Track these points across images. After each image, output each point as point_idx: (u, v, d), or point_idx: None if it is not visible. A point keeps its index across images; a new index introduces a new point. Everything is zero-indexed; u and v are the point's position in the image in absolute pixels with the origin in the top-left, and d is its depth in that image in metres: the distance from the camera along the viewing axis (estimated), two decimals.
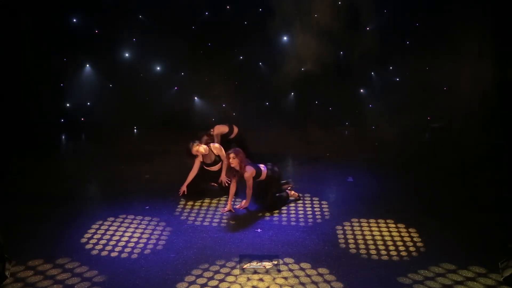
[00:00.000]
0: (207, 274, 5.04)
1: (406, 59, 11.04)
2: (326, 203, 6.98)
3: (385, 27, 10.87)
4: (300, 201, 7.04)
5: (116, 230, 6.00)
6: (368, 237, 5.89)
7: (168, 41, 10.66)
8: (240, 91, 11.34)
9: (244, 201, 6.72)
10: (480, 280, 4.93)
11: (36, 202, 6.75)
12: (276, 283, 4.89)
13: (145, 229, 6.06)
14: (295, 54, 10.54)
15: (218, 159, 7.21)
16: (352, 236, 5.93)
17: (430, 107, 11.38)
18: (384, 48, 10.84)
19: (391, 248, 5.63)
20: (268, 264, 5.22)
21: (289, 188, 7.07)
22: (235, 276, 5.01)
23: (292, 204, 6.92)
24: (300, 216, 6.54)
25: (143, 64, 11.25)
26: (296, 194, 7.11)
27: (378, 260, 5.36)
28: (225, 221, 6.35)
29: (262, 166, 6.75)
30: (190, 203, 6.93)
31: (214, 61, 11.00)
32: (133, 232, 5.95)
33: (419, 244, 5.72)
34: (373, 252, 5.54)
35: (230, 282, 4.89)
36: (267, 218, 6.44)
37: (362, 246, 5.68)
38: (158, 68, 11.42)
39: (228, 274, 5.05)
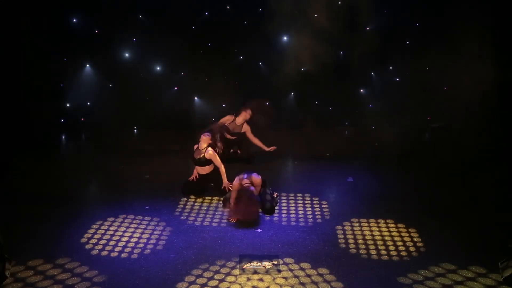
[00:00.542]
0: (207, 274, 5.04)
1: (406, 59, 11.03)
2: (326, 203, 6.99)
3: (385, 27, 10.86)
4: (300, 201, 7.04)
5: (116, 230, 6.00)
6: (368, 237, 5.90)
7: (168, 41, 10.66)
8: (240, 91, 11.33)
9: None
10: (480, 280, 4.94)
11: (36, 202, 6.75)
12: (276, 283, 4.89)
13: (145, 229, 6.06)
14: (295, 54, 10.53)
15: (206, 161, 7.12)
16: (352, 236, 5.93)
17: (430, 107, 11.38)
18: (384, 48, 10.83)
19: (391, 248, 5.63)
20: (268, 264, 5.22)
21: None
22: (235, 276, 5.01)
23: (292, 204, 6.93)
24: (300, 216, 6.54)
25: (143, 64, 11.24)
26: (276, 193, 7.11)
27: (378, 260, 5.37)
28: (225, 221, 6.35)
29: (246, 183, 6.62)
30: (190, 203, 6.94)
31: (214, 61, 10.99)
32: (133, 232, 5.96)
33: (419, 244, 5.72)
34: (373, 252, 5.54)
35: (230, 282, 4.89)
36: (267, 218, 6.45)
37: (362, 246, 5.68)
38: (158, 68, 11.42)
39: (228, 274, 5.05)
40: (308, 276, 5.03)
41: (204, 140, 7.14)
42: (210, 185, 7.38)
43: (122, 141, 10.33)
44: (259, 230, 6.07)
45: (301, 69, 10.90)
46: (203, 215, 6.53)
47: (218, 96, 11.17)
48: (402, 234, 5.98)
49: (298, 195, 7.29)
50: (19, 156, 8.89)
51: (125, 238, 5.80)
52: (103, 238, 5.79)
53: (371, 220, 6.36)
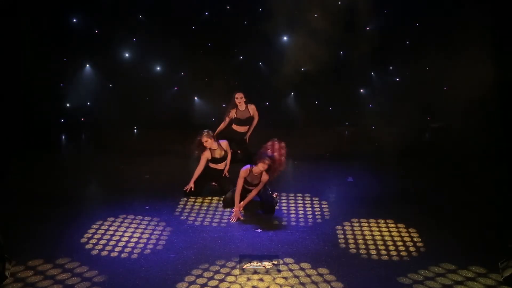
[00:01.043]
0: (207, 274, 5.04)
1: (406, 59, 11.04)
2: (326, 203, 6.99)
3: (385, 27, 10.87)
4: (300, 201, 7.04)
5: (116, 230, 6.00)
6: (368, 237, 5.90)
7: (168, 41, 10.66)
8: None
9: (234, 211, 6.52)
10: (480, 280, 4.94)
11: (36, 202, 6.74)
12: (276, 283, 4.89)
13: (145, 229, 6.06)
14: (295, 54, 10.53)
15: (226, 156, 7.16)
16: (352, 236, 5.93)
17: (430, 107, 11.38)
18: (384, 48, 10.83)
19: (391, 248, 5.63)
20: (268, 264, 5.23)
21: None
22: (235, 276, 5.01)
23: (292, 204, 6.93)
24: (300, 216, 6.54)
25: (143, 64, 11.24)
26: (276, 194, 7.11)
27: (378, 260, 5.37)
28: (225, 221, 6.35)
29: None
30: (190, 203, 6.94)
31: (214, 61, 10.99)
32: (133, 232, 5.96)
33: (419, 244, 5.72)
34: (373, 252, 5.54)
35: (230, 282, 4.89)
36: (267, 218, 6.44)
37: (362, 246, 5.68)
38: (158, 68, 11.42)
39: (228, 274, 5.05)
40: (308, 276, 5.03)
41: (210, 136, 6.96)
42: (212, 185, 7.38)
43: (122, 141, 10.34)
44: (259, 230, 6.07)
45: (301, 69, 10.91)
46: (203, 215, 6.53)
47: (218, 96, 11.17)
48: (402, 234, 5.98)
49: (298, 195, 7.29)
50: (19, 156, 8.90)
51: (125, 238, 5.80)
52: (103, 238, 5.79)
53: (371, 220, 6.36)
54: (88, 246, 5.58)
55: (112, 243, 5.67)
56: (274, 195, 6.97)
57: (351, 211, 6.66)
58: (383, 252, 5.53)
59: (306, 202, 7.04)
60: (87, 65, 11.17)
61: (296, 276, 5.02)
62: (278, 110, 11.66)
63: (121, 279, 4.91)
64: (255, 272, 5.08)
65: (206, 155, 7.05)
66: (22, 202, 6.75)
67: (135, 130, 11.41)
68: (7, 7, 9.53)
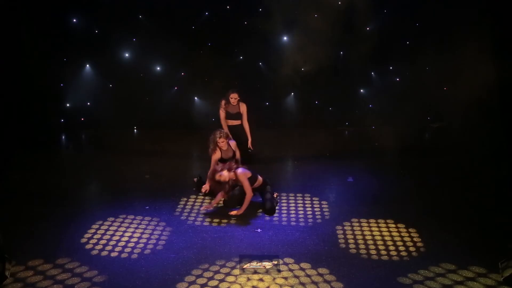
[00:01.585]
0: (207, 274, 5.04)
1: (406, 59, 11.04)
2: (326, 203, 6.99)
3: (385, 27, 10.87)
4: (300, 201, 7.04)
5: (116, 230, 6.00)
6: (368, 237, 5.89)
7: (168, 41, 10.67)
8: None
9: (238, 210, 6.53)
10: (480, 280, 4.93)
11: (36, 202, 6.75)
12: (276, 283, 4.89)
13: (145, 229, 6.06)
14: (295, 54, 10.54)
15: (233, 156, 7.12)
16: (352, 236, 5.93)
17: (430, 107, 11.39)
18: (384, 48, 10.84)
19: (391, 248, 5.63)
20: (268, 264, 5.22)
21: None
22: (235, 276, 5.01)
23: (292, 204, 6.93)
24: (300, 216, 6.54)
25: (143, 64, 11.25)
26: (276, 194, 7.12)
27: (378, 260, 5.36)
28: (225, 221, 6.35)
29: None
30: (190, 203, 6.93)
31: (214, 61, 11.00)
32: (133, 232, 5.95)
33: (419, 244, 5.71)
34: (373, 252, 5.54)
35: (230, 282, 4.89)
36: (267, 218, 6.45)
37: (362, 246, 5.68)
38: (158, 68, 11.43)
39: (228, 274, 5.05)
40: (308, 276, 5.03)
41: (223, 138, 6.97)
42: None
43: (122, 141, 10.34)
44: (259, 230, 6.07)
45: (301, 69, 10.91)
46: (203, 215, 6.53)
47: (218, 96, 11.16)
48: (402, 234, 5.98)
49: (298, 195, 7.30)
50: (19, 156, 8.90)
51: (125, 238, 5.79)
52: (103, 238, 5.79)
53: (371, 220, 6.36)
54: (88, 246, 5.58)
55: (112, 243, 5.67)
56: (275, 195, 6.97)
57: (351, 211, 6.66)
58: (383, 252, 5.52)
59: (306, 202, 7.04)
60: (87, 65, 11.18)
61: (296, 276, 5.02)
62: (278, 110, 11.67)
63: (121, 279, 4.91)
64: (255, 272, 5.08)
65: (217, 155, 7.01)
66: (22, 202, 6.75)
67: (135, 130, 11.41)
68: (7, 7, 9.53)
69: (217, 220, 6.36)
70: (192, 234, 5.95)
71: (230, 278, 4.96)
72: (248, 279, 4.95)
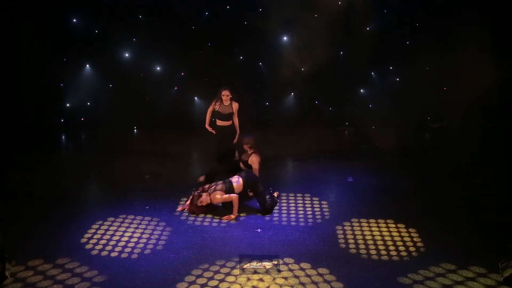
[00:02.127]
0: (207, 274, 5.04)
1: (406, 59, 11.04)
2: (326, 203, 6.99)
3: (385, 27, 10.88)
4: (300, 201, 7.04)
5: (116, 230, 6.00)
6: (368, 237, 5.89)
7: (168, 41, 10.67)
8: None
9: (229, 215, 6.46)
10: (480, 280, 4.93)
11: (36, 202, 6.75)
12: (276, 283, 4.89)
13: (145, 229, 6.06)
14: (295, 54, 10.54)
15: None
16: (352, 236, 5.93)
17: (430, 107, 11.39)
18: (384, 48, 10.84)
19: (391, 248, 5.63)
20: (268, 264, 5.22)
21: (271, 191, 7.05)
22: (235, 276, 5.01)
23: (292, 204, 6.93)
24: (300, 216, 6.54)
25: (143, 64, 11.25)
26: (277, 193, 7.12)
27: (378, 260, 5.36)
28: (225, 221, 6.34)
29: (234, 178, 6.63)
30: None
31: (214, 61, 10.99)
32: (133, 232, 5.96)
33: (419, 244, 5.72)
34: (373, 252, 5.54)
35: (230, 282, 4.89)
36: (267, 218, 6.45)
37: (362, 246, 5.68)
38: (158, 68, 11.43)
39: (228, 274, 5.05)
40: (308, 276, 5.03)
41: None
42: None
43: (122, 141, 10.34)
44: (259, 230, 6.07)
45: (301, 69, 10.91)
46: (203, 215, 6.52)
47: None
48: (402, 234, 5.98)
49: (298, 195, 7.30)
50: (19, 156, 8.89)
51: (125, 238, 5.79)
52: (103, 238, 5.79)
53: (371, 220, 6.36)
54: (88, 246, 5.58)
55: (112, 243, 5.67)
56: (275, 194, 6.98)
57: (351, 211, 6.66)
58: (383, 252, 5.52)
59: (306, 202, 7.04)
60: (87, 65, 11.18)
61: (296, 276, 5.02)
62: (278, 110, 11.67)
63: (121, 279, 4.91)
64: (255, 272, 5.08)
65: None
66: (22, 202, 6.75)
67: (135, 130, 11.41)
68: (7, 7, 9.53)
69: (217, 220, 6.37)
70: (192, 234, 5.95)
71: (230, 278, 4.96)
72: (248, 279, 4.95)
